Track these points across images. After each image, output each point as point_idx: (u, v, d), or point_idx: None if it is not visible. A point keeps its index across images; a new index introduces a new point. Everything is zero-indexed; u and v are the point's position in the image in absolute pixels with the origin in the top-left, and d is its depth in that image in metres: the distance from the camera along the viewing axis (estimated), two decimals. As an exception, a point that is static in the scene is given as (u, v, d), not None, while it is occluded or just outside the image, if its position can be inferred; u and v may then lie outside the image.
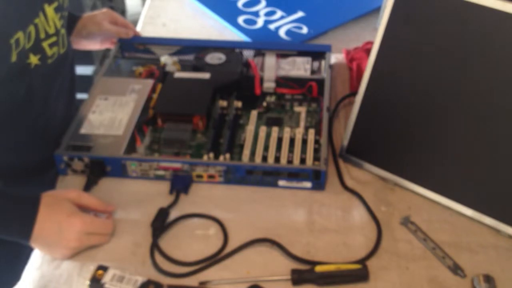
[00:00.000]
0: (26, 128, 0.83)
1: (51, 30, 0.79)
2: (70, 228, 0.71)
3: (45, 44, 0.78)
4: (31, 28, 0.74)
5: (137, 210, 0.80)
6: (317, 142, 0.85)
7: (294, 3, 1.26)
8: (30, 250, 0.76)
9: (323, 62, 1.01)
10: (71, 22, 1.00)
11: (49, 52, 0.80)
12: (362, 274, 0.70)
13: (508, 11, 0.68)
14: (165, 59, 1.02)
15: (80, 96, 1.03)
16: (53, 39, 0.80)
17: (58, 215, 0.72)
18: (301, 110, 0.93)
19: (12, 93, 0.78)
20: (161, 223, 0.77)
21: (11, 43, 0.71)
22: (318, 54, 1.02)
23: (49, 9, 0.78)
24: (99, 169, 0.83)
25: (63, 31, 0.83)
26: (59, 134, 0.85)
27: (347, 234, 0.76)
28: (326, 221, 0.78)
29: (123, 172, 0.84)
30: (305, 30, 1.18)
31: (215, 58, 1.00)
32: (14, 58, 0.72)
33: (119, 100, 0.92)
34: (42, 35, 0.77)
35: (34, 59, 0.77)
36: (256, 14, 1.24)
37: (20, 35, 0.72)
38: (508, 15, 0.68)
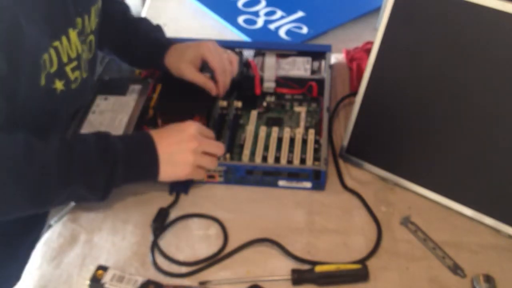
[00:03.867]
0: None
1: (73, 54, 0.77)
2: (184, 130, 0.77)
3: (67, 69, 0.77)
4: (51, 51, 0.72)
5: (137, 210, 0.80)
6: (317, 142, 0.85)
7: (294, 3, 1.26)
8: (30, 250, 0.76)
9: (323, 62, 1.01)
10: (159, 53, 0.93)
11: (71, 76, 0.78)
12: (362, 274, 0.70)
13: (508, 11, 0.68)
14: (165, 59, 1.02)
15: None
16: (74, 63, 0.78)
17: (173, 138, 0.76)
18: (301, 110, 0.93)
19: (36, 119, 0.77)
20: (161, 223, 0.77)
21: (40, 63, 0.70)
22: (318, 54, 1.02)
23: (73, 34, 0.76)
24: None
25: (85, 55, 0.81)
26: None
27: (347, 234, 0.76)
28: (326, 221, 0.78)
29: (123, 172, 0.83)
30: (305, 30, 1.18)
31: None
32: (43, 81, 0.71)
33: (119, 100, 0.92)
34: (65, 59, 0.76)
35: (59, 85, 0.75)
36: (256, 14, 1.24)
37: (46, 57, 0.71)
38: (508, 15, 0.68)
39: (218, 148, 0.79)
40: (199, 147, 0.76)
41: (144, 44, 0.94)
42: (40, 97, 0.73)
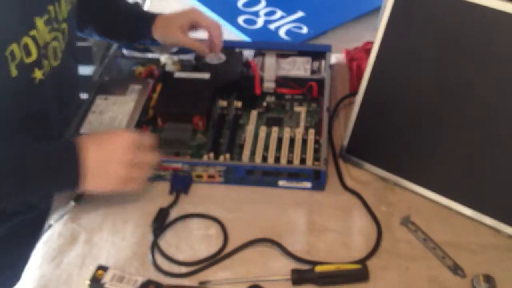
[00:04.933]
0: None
1: (41, 43, 0.76)
2: (118, 141, 0.72)
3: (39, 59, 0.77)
4: (27, 40, 0.72)
5: (137, 210, 0.80)
6: (317, 142, 0.85)
7: (294, 3, 1.26)
8: (30, 250, 0.76)
9: (323, 62, 1.01)
10: (146, 24, 0.95)
11: (43, 64, 0.77)
12: (362, 274, 0.70)
13: (508, 11, 0.68)
14: (165, 59, 1.02)
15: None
16: (43, 51, 0.77)
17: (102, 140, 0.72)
18: (301, 110, 0.93)
19: (27, 111, 0.77)
20: (161, 223, 0.77)
21: (6, 55, 0.69)
22: (318, 54, 1.02)
23: (40, 22, 0.75)
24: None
25: (55, 44, 0.80)
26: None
27: (347, 234, 0.76)
28: (326, 221, 0.78)
29: (123, 172, 0.83)
30: (305, 30, 1.18)
31: (215, 58, 1.00)
32: (14, 72, 0.71)
33: (119, 100, 0.92)
34: (37, 50, 0.75)
35: (39, 74, 0.75)
36: (256, 14, 1.24)
37: (14, 47, 0.70)
38: (508, 15, 0.68)
39: (153, 158, 0.75)
40: (132, 160, 0.72)
41: (129, 18, 0.96)
42: (16, 89, 0.73)
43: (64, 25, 0.83)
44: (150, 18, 0.96)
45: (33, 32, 0.73)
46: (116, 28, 0.98)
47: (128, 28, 0.97)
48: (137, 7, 1.00)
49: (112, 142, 0.72)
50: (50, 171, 0.70)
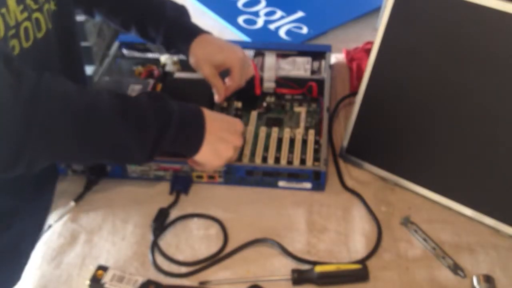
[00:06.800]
0: None
1: (12, 22, 0.73)
2: (237, 126, 0.77)
3: (8, 37, 0.73)
4: None
5: (137, 210, 0.80)
6: (317, 142, 0.85)
7: (294, 3, 1.26)
8: (30, 250, 0.76)
9: (323, 62, 1.01)
10: (184, 45, 0.90)
11: (10, 44, 0.74)
12: (362, 274, 0.70)
13: (508, 11, 0.68)
14: (165, 59, 1.02)
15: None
16: (12, 31, 0.73)
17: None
18: (301, 110, 0.92)
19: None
20: (161, 223, 0.77)
21: None
22: (318, 54, 1.02)
23: (11, 1, 0.72)
24: (99, 169, 0.83)
25: (27, 24, 0.76)
26: None
27: (347, 234, 0.76)
28: (326, 221, 0.78)
29: (123, 172, 0.84)
30: (305, 30, 1.18)
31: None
32: None
33: (119, 100, 0.91)
34: (5, 28, 0.72)
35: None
36: (256, 14, 1.24)
37: None
38: (508, 15, 0.68)
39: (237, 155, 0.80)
40: (239, 147, 0.77)
41: (170, 30, 0.92)
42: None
43: (47, 6, 0.80)
44: (191, 35, 0.91)
45: (3, 10, 0.71)
46: (157, 37, 0.93)
47: (168, 39, 0.92)
48: (182, 15, 0.94)
49: (232, 125, 0.77)
50: (184, 128, 0.72)
